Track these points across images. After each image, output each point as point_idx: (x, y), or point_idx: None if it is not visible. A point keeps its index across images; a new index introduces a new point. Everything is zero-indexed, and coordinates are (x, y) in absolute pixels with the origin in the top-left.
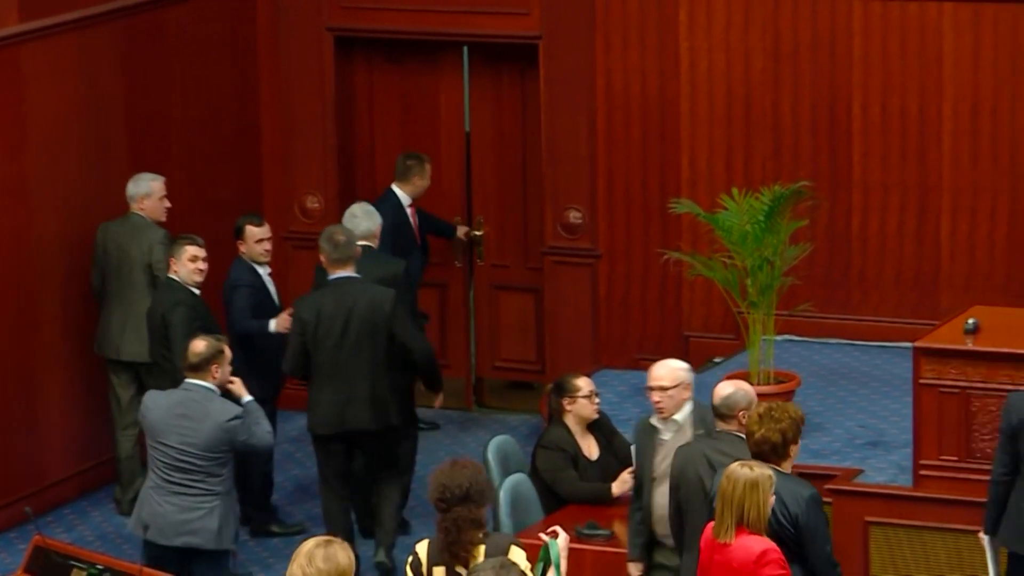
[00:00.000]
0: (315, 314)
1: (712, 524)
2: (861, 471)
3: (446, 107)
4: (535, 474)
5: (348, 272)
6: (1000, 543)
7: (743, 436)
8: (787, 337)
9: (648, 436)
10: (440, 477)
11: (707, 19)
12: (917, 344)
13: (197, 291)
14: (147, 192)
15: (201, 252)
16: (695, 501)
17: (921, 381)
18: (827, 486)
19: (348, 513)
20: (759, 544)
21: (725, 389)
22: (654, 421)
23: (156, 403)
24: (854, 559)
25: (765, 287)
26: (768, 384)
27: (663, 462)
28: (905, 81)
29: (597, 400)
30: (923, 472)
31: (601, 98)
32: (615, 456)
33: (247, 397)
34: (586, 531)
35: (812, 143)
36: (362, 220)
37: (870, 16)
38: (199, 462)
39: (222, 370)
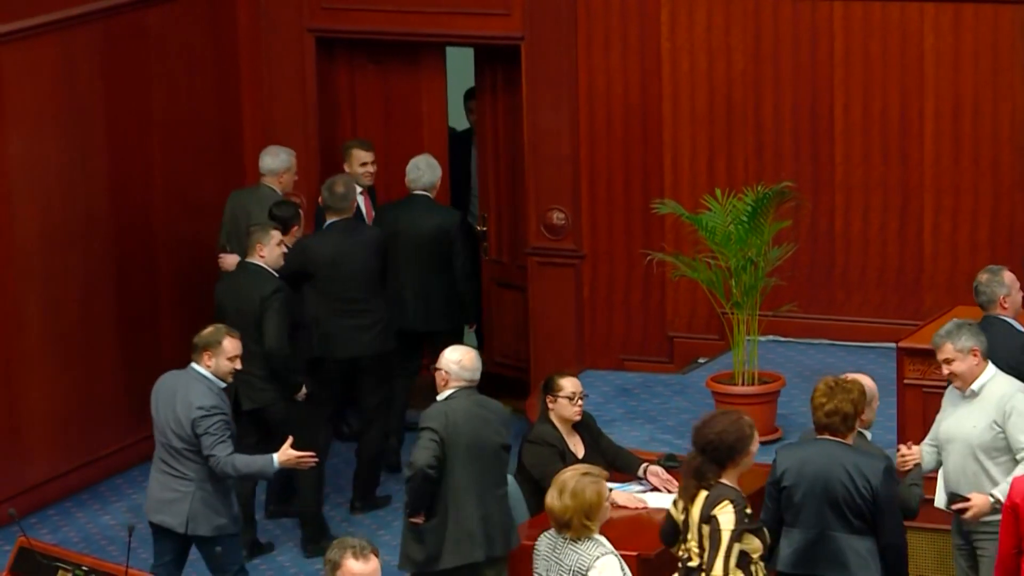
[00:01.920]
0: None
1: None
2: None
3: (428, 107)
4: (521, 472)
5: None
6: None
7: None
8: (771, 337)
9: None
10: (699, 419)
11: (689, 19)
12: (901, 344)
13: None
14: (287, 167)
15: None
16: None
17: (905, 381)
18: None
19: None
20: None
21: None
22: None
23: (164, 379)
24: None
25: (749, 288)
26: (753, 385)
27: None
28: (887, 82)
29: (581, 403)
30: None
31: (583, 99)
32: (602, 456)
33: (275, 460)
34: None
35: (794, 144)
36: (425, 172)
37: (851, 17)
38: (177, 443)
39: (216, 360)
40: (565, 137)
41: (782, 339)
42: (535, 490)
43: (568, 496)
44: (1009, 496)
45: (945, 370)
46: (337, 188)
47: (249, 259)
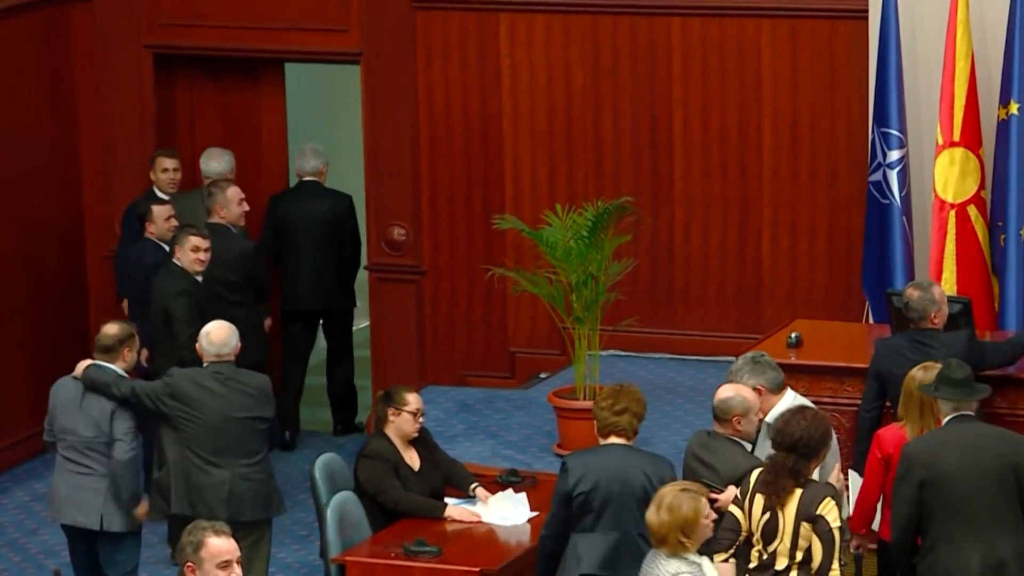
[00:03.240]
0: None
1: None
2: None
3: (267, 124)
4: (358, 487)
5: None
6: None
7: (738, 441)
8: (612, 352)
9: None
10: (779, 421)
11: (528, 36)
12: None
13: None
14: (231, 168)
15: (204, 243)
16: None
17: None
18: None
19: None
20: None
21: (724, 392)
22: None
23: (65, 385)
24: None
25: (590, 302)
26: (594, 399)
27: None
28: (725, 97)
29: (421, 420)
30: None
31: (423, 114)
32: (438, 470)
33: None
34: (414, 548)
35: (634, 159)
36: (309, 159)
37: (689, 33)
38: (88, 437)
39: (132, 353)
40: (405, 152)
41: (623, 353)
42: (371, 505)
43: (665, 511)
44: (882, 447)
45: None
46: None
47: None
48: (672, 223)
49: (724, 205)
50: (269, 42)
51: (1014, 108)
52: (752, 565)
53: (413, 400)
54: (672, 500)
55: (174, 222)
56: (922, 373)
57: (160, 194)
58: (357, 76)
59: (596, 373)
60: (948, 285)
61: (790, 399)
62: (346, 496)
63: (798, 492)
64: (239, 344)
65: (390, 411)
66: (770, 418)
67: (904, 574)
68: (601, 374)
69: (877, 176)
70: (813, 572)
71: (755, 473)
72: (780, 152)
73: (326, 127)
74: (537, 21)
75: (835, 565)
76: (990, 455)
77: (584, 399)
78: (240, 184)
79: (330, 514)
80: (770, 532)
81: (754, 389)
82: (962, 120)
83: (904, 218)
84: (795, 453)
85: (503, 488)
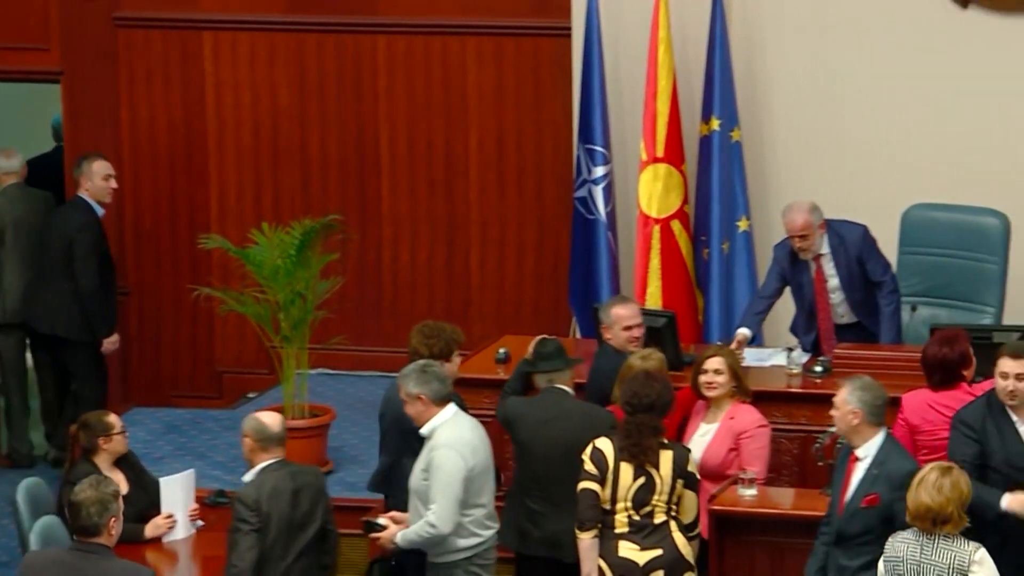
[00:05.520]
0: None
1: None
2: None
3: None
4: (60, 513)
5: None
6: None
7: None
8: (321, 370)
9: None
10: (633, 384)
11: (232, 54)
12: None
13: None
14: (23, 162)
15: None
16: None
17: None
18: (363, 518)
19: None
20: None
21: None
22: None
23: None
24: None
25: (298, 321)
26: (304, 418)
27: None
28: (431, 115)
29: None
30: None
31: (125, 133)
32: (145, 491)
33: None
34: None
35: (341, 177)
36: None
37: (394, 51)
38: None
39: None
40: None
41: (332, 372)
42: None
43: (949, 488)
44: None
45: None
46: None
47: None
48: (380, 241)
49: (431, 222)
50: None
51: (715, 124)
52: (622, 530)
53: (118, 422)
54: (952, 478)
55: None
56: (640, 361)
57: None
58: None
59: (305, 392)
60: (653, 299)
61: (450, 412)
62: (50, 520)
63: (668, 453)
64: None
65: (101, 440)
66: (426, 430)
67: None
68: (310, 393)
69: (582, 192)
70: (686, 523)
71: (604, 446)
72: (487, 169)
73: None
74: (241, 39)
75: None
76: (564, 429)
77: (292, 418)
78: None
79: (34, 539)
80: (645, 494)
81: (417, 397)
82: (665, 136)
83: (609, 233)
84: (652, 412)
85: (212, 509)
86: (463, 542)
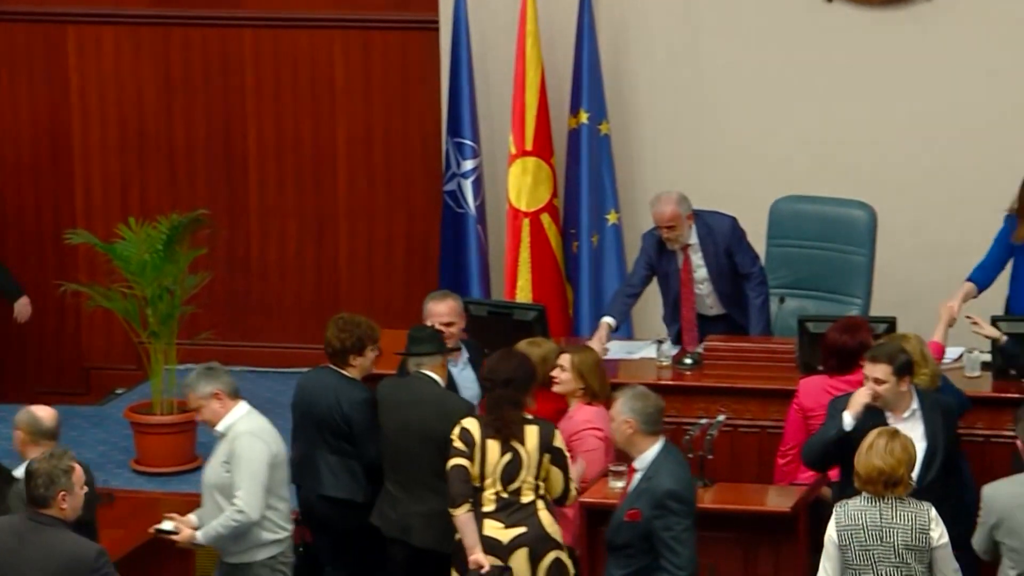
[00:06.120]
0: None
1: None
2: None
3: None
4: None
5: None
6: None
7: None
8: (190, 366)
9: None
10: (490, 361)
11: (96, 48)
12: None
13: None
14: None
15: None
16: None
17: None
18: (151, 528)
19: None
20: None
21: None
22: None
23: None
24: None
25: (166, 316)
26: (171, 414)
27: None
28: (299, 109)
29: None
30: None
31: None
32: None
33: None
34: None
35: (208, 172)
36: None
37: (262, 45)
38: None
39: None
40: None
41: None
42: None
43: (899, 451)
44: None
45: None
46: None
47: None
48: (248, 235)
49: (300, 216)
50: None
51: (584, 117)
52: (489, 508)
53: None
54: (900, 440)
55: None
56: (526, 346)
57: None
58: None
59: (173, 387)
60: (523, 293)
61: (245, 408)
62: None
63: (534, 428)
64: None
65: None
66: (222, 427)
67: None
68: (178, 388)
69: (452, 186)
70: (554, 497)
71: (471, 425)
72: (355, 163)
73: None
74: (105, 34)
75: (572, 487)
76: (417, 414)
77: (161, 414)
78: None
79: None
80: (513, 470)
81: (213, 395)
82: (534, 130)
83: (479, 227)
84: (510, 386)
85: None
86: (269, 535)
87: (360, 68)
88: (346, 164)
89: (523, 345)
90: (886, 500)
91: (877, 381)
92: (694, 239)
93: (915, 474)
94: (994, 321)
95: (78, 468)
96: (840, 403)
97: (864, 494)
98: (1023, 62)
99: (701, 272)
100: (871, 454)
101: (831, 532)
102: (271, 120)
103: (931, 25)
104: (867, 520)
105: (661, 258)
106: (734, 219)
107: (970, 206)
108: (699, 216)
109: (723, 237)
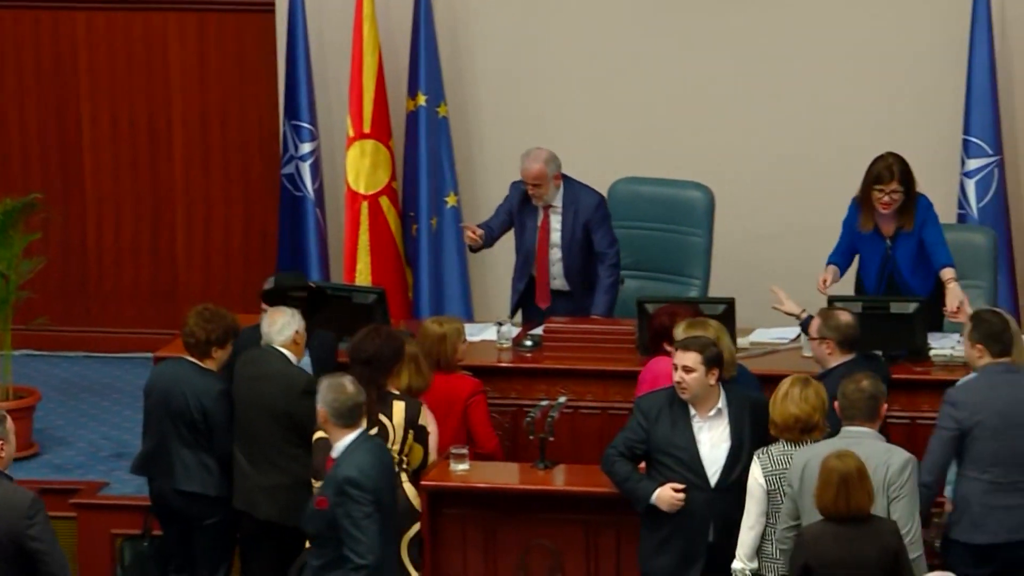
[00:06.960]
0: None
1: None
2: (107, 483)
3: None
4: None
5: None
6: None
7: None
8: (25, 352)
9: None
10: (355, 338)
11: None
12: (158, 354)
13: None
14: None
15: None
16: None
17: None
18: (71, 500)
19: None
20: None
21: None
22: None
23: None
24: (103, 573)
25: (1, 302)
26: (8, 400)
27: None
28: (133, 91)
29: None
30: None
31: None
32: None
33: None
34: None
35: (42, 155)
36: None
37: (94, 27)
38: None
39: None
40: None
41: (36, 353)
42: None
43: (813, 397)
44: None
45: None
46: None
47: None
48: (84, 219)
49: (136, 201)
50: None
51: (421, 100)
52: None
53: None
54: (813, 387)
55: None
56: (434, 326)
57: None
58: None
59: (9, 374)
60: (363, 276)
61: None
62: None
63: (400, 404)
64: None
65: None
66: None
67: None
68: (14, 374)
69: (289, 169)
70: (413, 469)
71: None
72: (191, 147)
73: None
74: None
75: (428, 460)
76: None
77: None
78: None
79: None
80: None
81: None
82: (372, 112)
83: (318, 210)
84: (369, 367)
85: None
86: None
87: (195, 51)
88: (182, 148)
89: (428, 322)
90: (802, 445)
91: (686, 369)
92: (558, 202)
93: (717, 475)
94: (831, 302)
95: (9, 418)
96: (644, 402)
97: (780, 441)
98: (867, 45)
99: (556, 236)
100: (786, 403)
101: (758, 478)
102: (106, 103)
103: (773, 6)
104: (796, 464)
105: (522, 209)
106: (603, 198)
107: (811, 190)
108: (570, 183)
109: (586, 210)
